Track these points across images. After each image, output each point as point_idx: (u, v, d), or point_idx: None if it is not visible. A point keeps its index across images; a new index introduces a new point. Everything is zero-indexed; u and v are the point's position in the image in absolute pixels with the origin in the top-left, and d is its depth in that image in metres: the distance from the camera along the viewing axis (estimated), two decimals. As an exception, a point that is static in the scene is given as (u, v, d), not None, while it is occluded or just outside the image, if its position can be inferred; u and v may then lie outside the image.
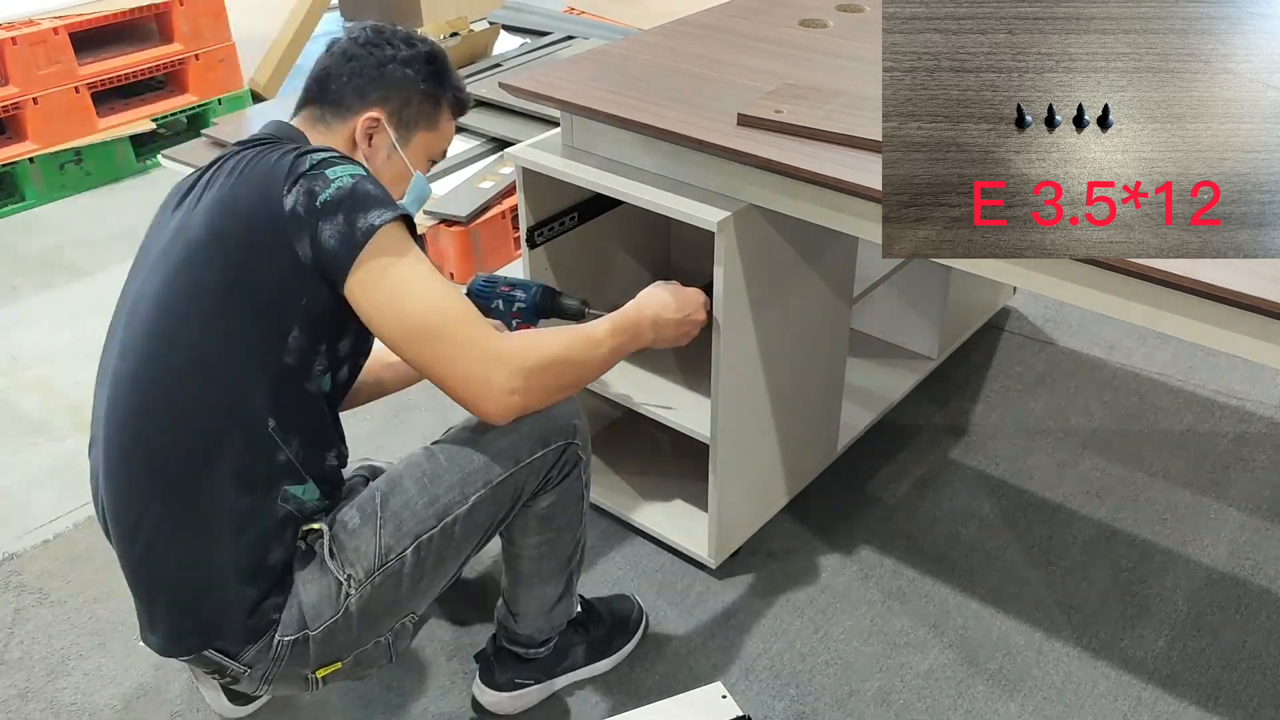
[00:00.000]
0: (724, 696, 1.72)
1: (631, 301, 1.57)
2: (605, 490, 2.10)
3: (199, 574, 1.35)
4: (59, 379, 2.59)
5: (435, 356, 1.31)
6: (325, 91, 1.45)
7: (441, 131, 1.53)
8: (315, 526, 1.38)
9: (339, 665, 1.43)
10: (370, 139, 1.45)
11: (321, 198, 1.28)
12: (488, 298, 1.71)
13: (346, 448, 1.48)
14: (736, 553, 2.01)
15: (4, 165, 3.40)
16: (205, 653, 1.39)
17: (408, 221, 1.33)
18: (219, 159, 1.39)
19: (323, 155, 1.33)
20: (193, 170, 1.43)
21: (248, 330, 1.31)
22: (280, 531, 1.36)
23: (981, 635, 1.85)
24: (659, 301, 1.58)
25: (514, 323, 1.68)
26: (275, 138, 1.41)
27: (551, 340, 1.40)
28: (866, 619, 1.89)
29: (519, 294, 1.69)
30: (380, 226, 1.28)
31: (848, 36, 2.00)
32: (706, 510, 1.92)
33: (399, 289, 1.29)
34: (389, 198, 1.33)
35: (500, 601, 1.68)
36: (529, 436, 1.43)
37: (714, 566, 1.96)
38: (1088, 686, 1.76)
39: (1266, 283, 1.21)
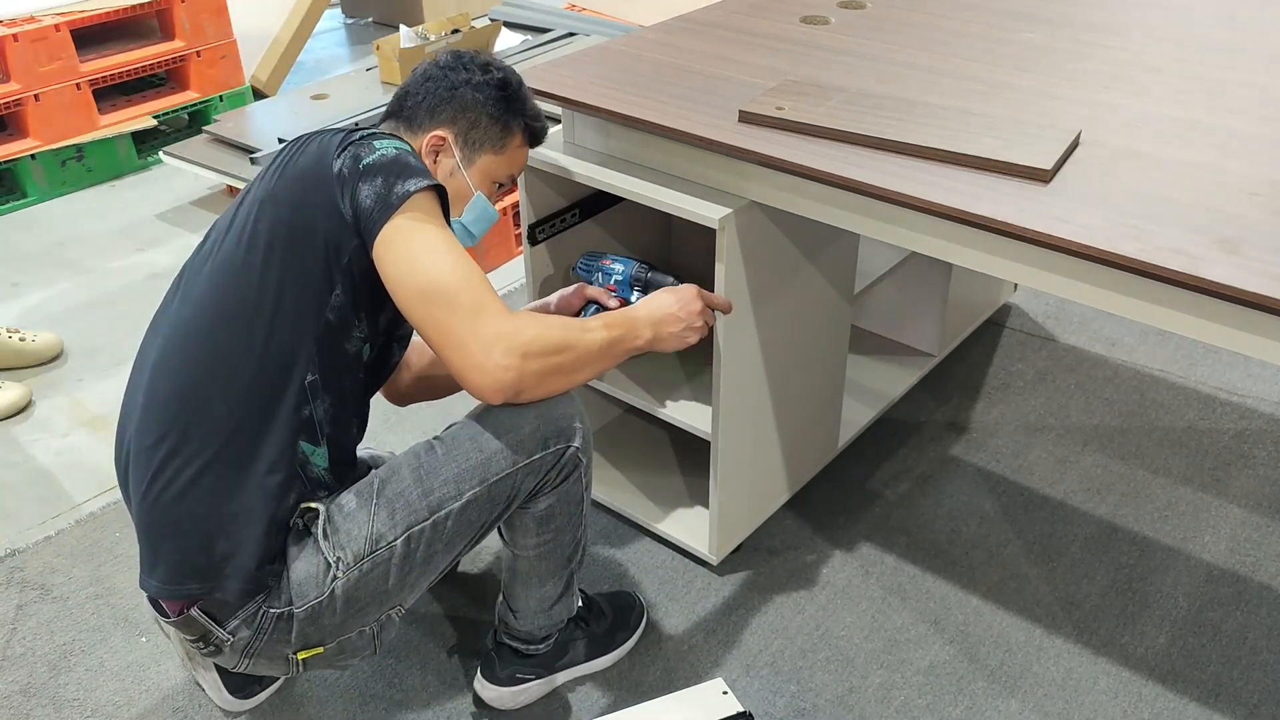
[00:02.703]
0: (725, 692, 1.72)
1: (648, 299, 1.60)
2: (606, 487, 2.11)
3: (223, 512, 1.37)
4: (61, 375, 2.59)
5: (438, 320, 1.32)
6: (402, 108, 1.54)
7: (510, 157, 1.57)
8: (313, 506, 1.40)
9: (321, 650, 1.44)
10: (436, 156, 1.52)
11: (365, 161, 1.36)
12: (589, 271, 1.84)
13: (365, 427, 1.52)
14: (737, 549, 2.02)
15: (6, 162, 3.41)
16: (193, 612, 1.40)
17: (441, 196, 1.39)
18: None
19: (375, 131, 1.42)
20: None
21: (297, 282, 1.36)
22: (296, 482, 1.40)
23: (982, 631, 1.86)
24: (658, 302, 1.58)
25: (612, 295, 1.79)
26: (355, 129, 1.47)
27: (552, 324, 1.41)
28: (867, 615, 1.89)
29: (617, 267, 1.81)
30: (414, 193, 1.34)
31: (849, 34, 2.00)
32: (708, 507, 1.92)
33: (418, 250, 1.33)
34: (427, 171, 1.39)
35: (500, 597, 1.68)
36: (530, 437, 1.43)
37: (715, 563, 1.97)
38: (1088, 683, 1.76)
39: (1267, 279, 1.21)
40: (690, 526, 2.01)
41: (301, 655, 1.44)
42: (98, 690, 1.78)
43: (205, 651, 1.45)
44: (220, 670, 1.68)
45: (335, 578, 1.38)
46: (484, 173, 1.55)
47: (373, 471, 1.45)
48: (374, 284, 1.38)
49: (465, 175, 1.53)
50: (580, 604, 1.76)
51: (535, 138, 1.60)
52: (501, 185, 1.60)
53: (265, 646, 1.42)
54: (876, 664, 1.80)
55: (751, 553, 2.02)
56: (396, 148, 1.39)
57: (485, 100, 1.52)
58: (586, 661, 1.77)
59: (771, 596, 1.93)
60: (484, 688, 1.71)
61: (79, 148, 3.54)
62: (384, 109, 1.58)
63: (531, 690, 1.72)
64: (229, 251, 1.40)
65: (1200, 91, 1.72)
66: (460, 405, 1.35)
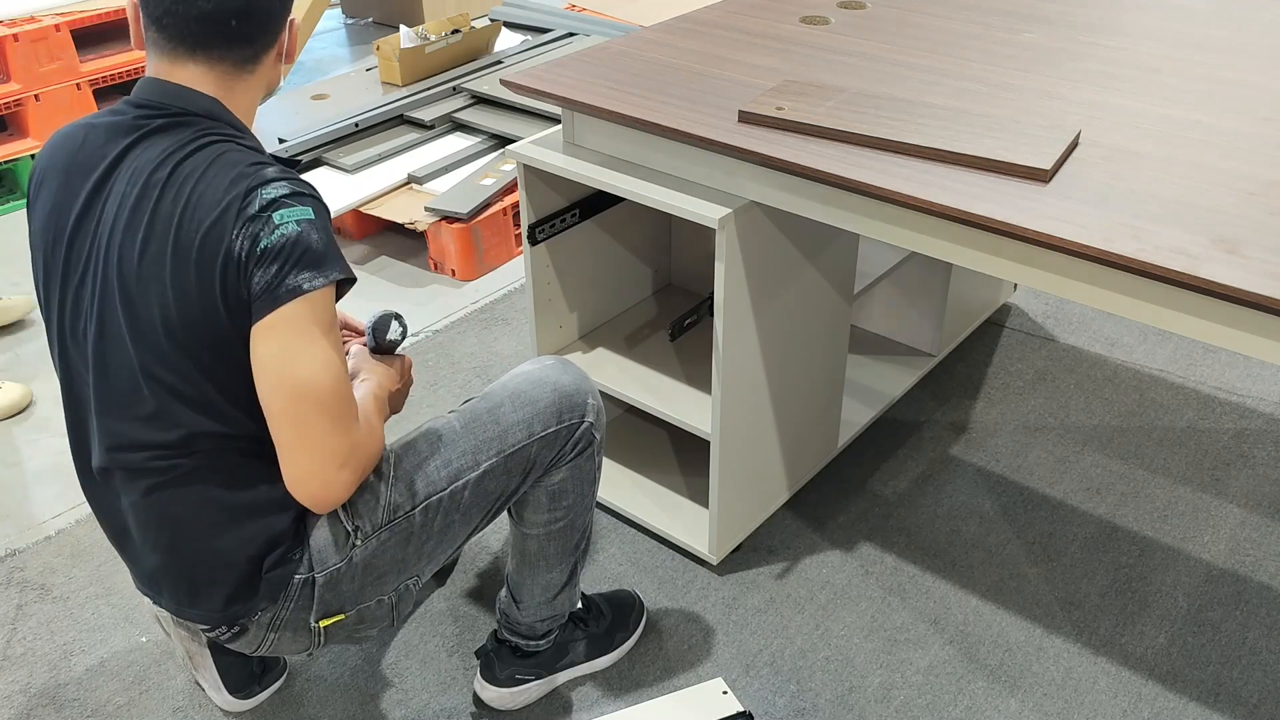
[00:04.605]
0: (725, 692, 1.72)
1: (370, 382, 1.49)
2: (607, 486, 2.11)
3: (209, 551, 1.36)
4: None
5: (302, 421, 1.26)
6: (244, 29, 1.28)
7: None
8: None
9: (342, 616, 1.45)
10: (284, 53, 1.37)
11: (262, 244, 1.23)
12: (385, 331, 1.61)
13: None
14: (737, 549, 2.02)
15: (5, 162, 3.41)
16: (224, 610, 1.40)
17: (337, 287, 1.29)
18: (141, 157, 1.28)
19: (274, 194, 1.25)
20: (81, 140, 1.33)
21: (220, 365, 1.28)
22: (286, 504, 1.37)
23: (982, 631, 1.86)
24: (386, 376, 1.53)
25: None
26: (220, 135, 1.29)
27: (376, 430, 1.37)
28: (867, 615, 1.89)
29: (395, 326, 1.61)
30: (307, 292, 1.24)
31: (849, 34, 2.00)
32: (707, 506, 1.92)
33: (298, 348, 1.24)
34: (329, 254, 1.27)
35: (503, 590, 1.69)
36: (546, 410, 1.46)
37: (715, 563, 1.97)
38: (1088, 683, 1.76)
39: (1267, 279, 1.21)
40: (690, 526, 2.01)
41: (324, 623, 1.44)
42: (98, 690, 1.78)
43: (228, 636, 1.44)
44: (221, 669, 1.68)
45: (354, 545, 1.39)
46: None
47: (389, 445, 1.45)
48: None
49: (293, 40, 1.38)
50: (580, 604, 1.76)
51: None
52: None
53: (290, 616, 1.42)
54: (876, 664, 1.80)
55: (751, 552, 2.02)
56: (298, 220, 1.24)
57: None
58: (586, 662, 1.77)
59: (771, 596, 1.93)
60: (484, 688, 1.71)
61: (79, 148, 3.54)
62: (173, 43, 1.28)
63: (531, 690, 1.72)
64: (147, 340, 1.27)
65: (1199, 91, 1.72)
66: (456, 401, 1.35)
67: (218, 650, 1.67)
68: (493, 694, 1.71)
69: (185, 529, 1.35)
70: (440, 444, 1.43)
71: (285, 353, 1.24)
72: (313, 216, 1.27)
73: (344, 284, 1.29)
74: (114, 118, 1.31)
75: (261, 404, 1.27)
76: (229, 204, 1.23)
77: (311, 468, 1.27)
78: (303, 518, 1.40)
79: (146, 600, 1.65)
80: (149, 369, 1.27)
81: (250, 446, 1.33)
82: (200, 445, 1.31)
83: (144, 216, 1.26)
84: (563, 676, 1.76)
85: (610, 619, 1.80)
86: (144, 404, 1.29)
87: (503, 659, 1.71)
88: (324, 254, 1.26)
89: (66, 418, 1.40)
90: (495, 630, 1.74)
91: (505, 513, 1.64)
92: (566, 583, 1.65)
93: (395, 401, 1.57)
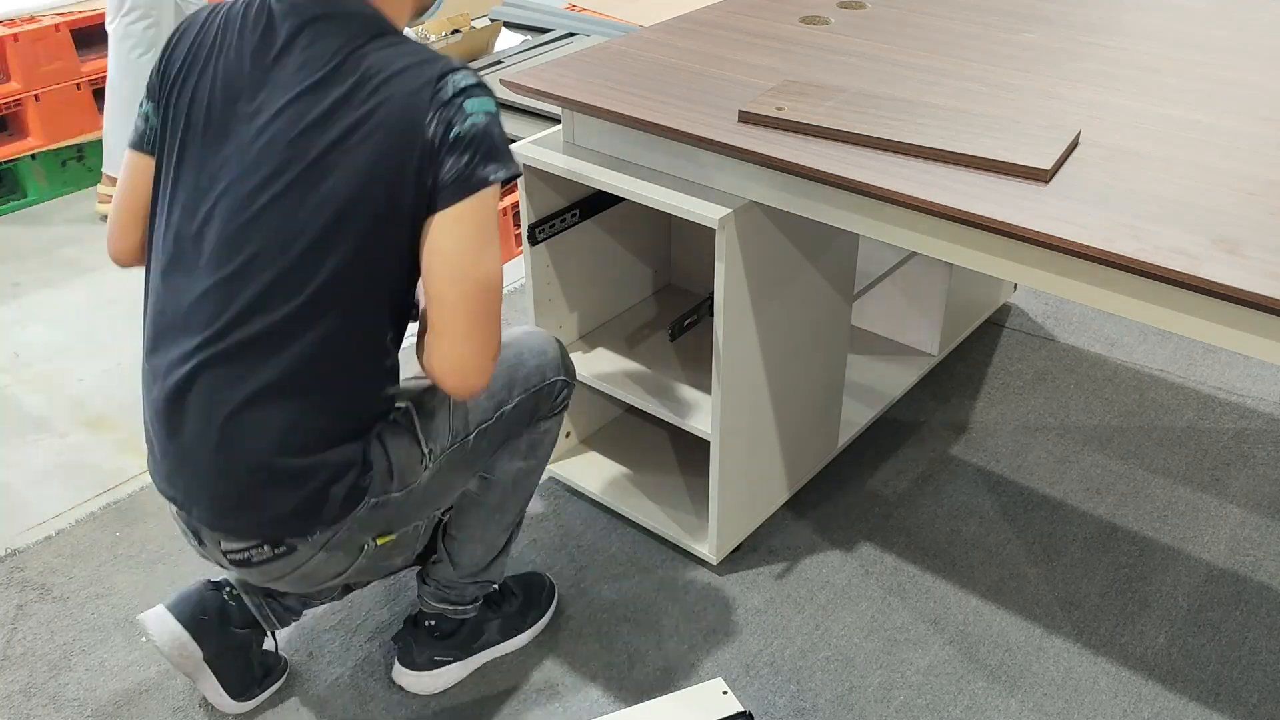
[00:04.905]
0: (725, 692, 1.72)
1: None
2: (607, 486, 2.11)
3: (295, 446, 1.36)
4: (61, 375, 2.60)
5: (471, 311, 1.33)
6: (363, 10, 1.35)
7: None
8: (401, 404, 1.49)
9: (393, 536, 1.51)
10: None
11: (455, 131, 1.30)
12: None
13: None
14: (737, 549, 2.02)
15: (6, 162, 3.41)
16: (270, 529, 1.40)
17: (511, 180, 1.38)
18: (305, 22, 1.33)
19: (462, 82, 1.31)
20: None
21: (387, 250, 1.33)
22: (384, 410, 1.45)
23: (982, 631, 1.86)
24: None
25: None
26: (376, 24, 1.34)
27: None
28: (867, 615, 1.89)
29: None
30: (493, 183, 1.33)
31: (849, 33, 2.00)
32: (707, 507, 1.92)
33: (482, 241, 1.33)
34: (509, 149, 1.36)
35: (436, 558, 1.70)
36: (552, 362, 1.61)
37: (715, 563, 1.97)
38: (1088, 682, 1.76)
39: (1267, 279, 1.21)
40: (690, 527, 2.01)
41: (380, 539, 1.49)
42: (98, 690, 1.78)
43: (266, 556, 1.42)
44: (220, 678, 1.68)
45: (428, 466, 1.48)
46: None
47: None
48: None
49: None
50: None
51: None
52: None
53: (348, 537, 1.44)
54: (876, 663, 1.80)
55: (751, 553, 2.02)
56: (486, 112, 1.32)
57: None
58: (502, 642, 1.80)
59: (771, 596, 1.93)
60: (402, 674, 1.75)
61: (79, 148, 3.54)
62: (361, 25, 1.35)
63: (449, 674, 1.75)
64: (303, 217, 1.30)
65: (1199, 91, 1.72)
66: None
67: (214, 660, 1.67)
68: (411, 678, 1.74)
69: (266, 428, 1.34)
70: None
71: (471, 243, 1.32)
72: (494, 110, 1.35)
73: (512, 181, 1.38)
74: (280, 3, 1.34)
75: (432, 291, 1.33)
76: (422, 86, 1.29)
77: (473, 356, 1.35)
78: (381, 439, 1.44)
79: (147, 619, 1.64)
80: (305, 241, 1.30)
81: (366, 353, 1.38)
82: (325, 330, 1.33)
83: (328, 96, 1.30)
84: (479, 659, 1.78)
85: (521, 599, 1.84)
86: (284, 274, 1.31)
87: (420, 642, 1.74)
88: (506, 148, 1.35)
89: (154, 283, 1.40)
90: (412, 615, 1.77)
91: None
92: (504, 547, 1.71)
93: None
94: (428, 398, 1.50)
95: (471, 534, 1.67)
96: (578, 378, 1.68)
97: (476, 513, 1.66)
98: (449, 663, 1.75)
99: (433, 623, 1.74)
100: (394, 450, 1.45)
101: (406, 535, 1.54)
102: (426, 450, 1.47)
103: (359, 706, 1.74)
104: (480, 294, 1.33)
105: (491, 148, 1.32)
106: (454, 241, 1.32)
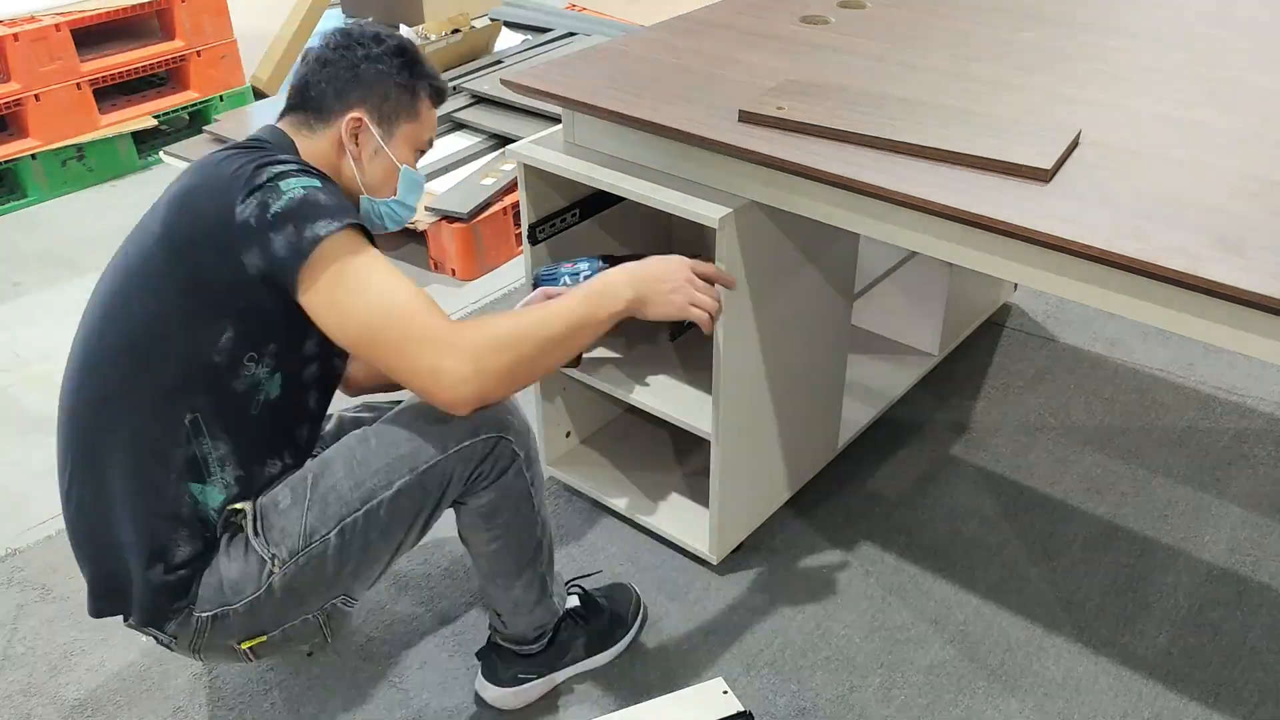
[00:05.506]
0: (725, 692, 1.72)
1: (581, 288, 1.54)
2: (606, 486, 2.11)
3: (107, 546, 1.41)
4: (61, 375, 2.59)
5: (386, 350, 1.33)
6: (306, 99, 1.48)
7: (423, 121, 1.55)
8: (240, 506, 1.42)
9: (265, 638, 1.46)
10: (356, 138, 1.49)
11: (273, 209, 1.31)
12: (553, 278, 1.81)
13: (310, 452, 1.52)
14: (737, 549, 2.02)
15: (6, 162, 3.41)
16: (129, 622, 1.45)
17: (361, 229, 1.36)
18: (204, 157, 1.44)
19: (281, 168, 1.35)
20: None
21: (181, 322, 1.34)
22: (180, 525, 1.39)
23: (982, 631, 1.86)
24: (638, 264, 1.56)
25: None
26: (258, 144, 1.44)
27: (503, 319, 1.40)
28: (867, 615, 1.89)
29: (580, 265, 1.80)
30: (326, 237, 1.31)
31: (849, 33, 2.00)
32: (707, 506, 1.92)
33: (341, 293, 1.32)
34: (342, 207, 1.34)
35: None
36: (459, 425, 1.43)
37: (715, 563, 1.97)
38: (1088, 682, 1.76)
39: (1268, 279, 1.21)
40: (690, 526, 2.01)
41: (246, 644, 1.46)
42: (98, 690, 1.78)
43: (162, 646, 1.49)
44: None
45: (271, 573, 1.40)
46: (406, 141, 1.53)
47: (307, 464, 1.46)
48: (275, 321, 1.36)
49: (389, 151, 1.50)
50: (578, 601, 1.76)
51: (439, 95, 1.57)
52: (421, 152, 1.57)
53: (208, 642, 1.45)
54: (876, 664, 1.80)
55: (752, 552, 2.02)
56: (304, 186, 1.33)
57: (389, 70, 1.48)
58: (587, 659, 1.77)
59: (771, 596, 1.93)
60: (485, 688, 1.72)
61: (79, 147, 3.54)
62: (285, 103, 1.51)
63: (532, 690, 1.72)
64: (122, 280, 1.39)
65: (1200, 91, 1.72)
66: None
67: None
68: (495, 694, 1.71)
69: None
70: (354, 463, 1.42)
71: (332, 300, 1.32)
72: (318, 185, 1.35)
73: (362, 228, 1.37)
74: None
75: (346, 349, 1.37)
76: (231, 179, 1.33)
77: (423, 384, 1.33)
78: (212, 547, 1.42)
79: None
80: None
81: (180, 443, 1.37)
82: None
83: (161, 203, 1.39)
84: (564, 674, 1.76)
85: (609, 616, 1.80)
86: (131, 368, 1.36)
87: (504, 659, 1.71)
88: (334, 207, 1.34)
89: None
90: (491, 634, 1.74)
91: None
92: (540, 598, 1.65)
93: (650, 290, 1.54)
94: (282, 495, 1.42)
95: (490, 596, 1.64)
96: (513, 432, 1.48)
97: (481, 578, 1.63)
98: (532, 679, 1.72)
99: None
100: (228, 562, 1.41)
101: (294, 629, 1.47)
102: (268, 556, 1.39)
103: (359, 707, 1.74)
104: (376, 336, 1.32)
105: (315, 208, 1.33)
106: (323, 306, 1.33)
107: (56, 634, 1.89)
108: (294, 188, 1.33)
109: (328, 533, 1.40)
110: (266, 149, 1.41)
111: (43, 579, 2.01)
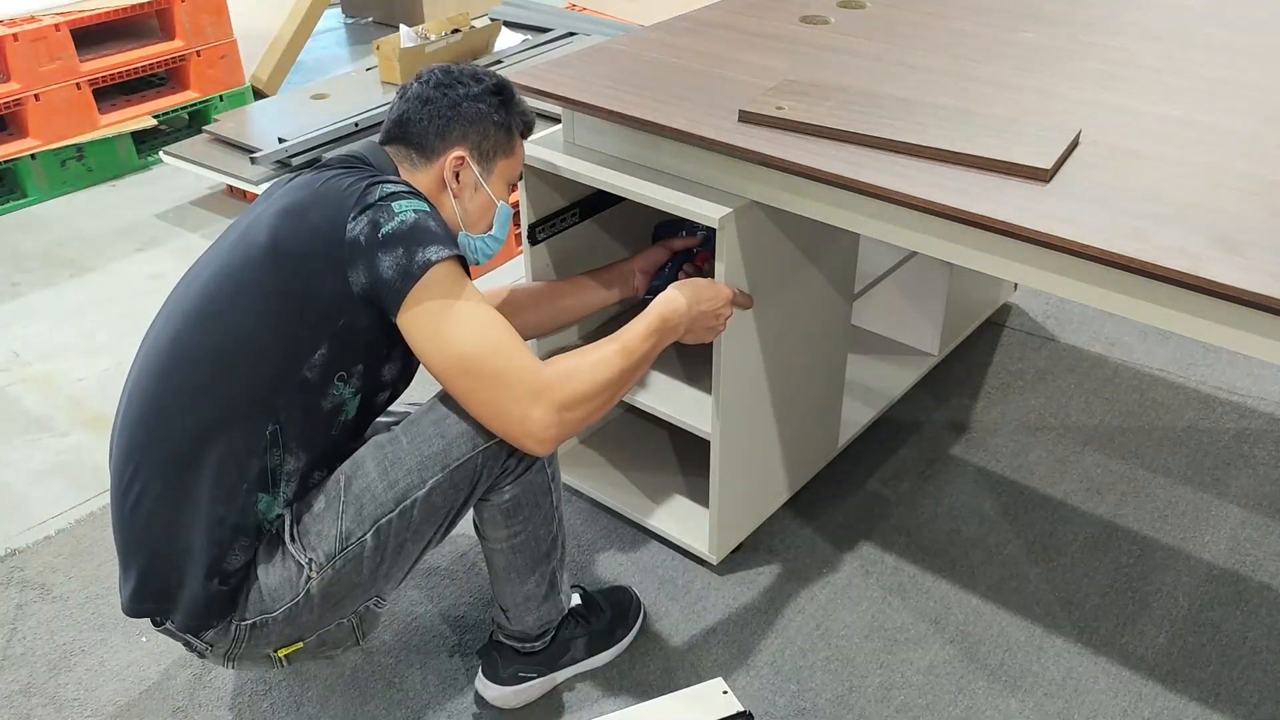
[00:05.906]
0: (725, 692, 1.72)
1: (660, 299, 1.59)
2: (606, 486, 2.11)
3: (168, 549, 1.40)
4: (61, 375, 2.59)
5: (477, 383, 1.36)
6: (407, 134, 1.51)
7: (517, 156, 1.59)
8: (279, 512, 1.42)
9: (301, 645, 1.47)
10: (457, 176, 1.52)
11: (385, 230, 1.35)
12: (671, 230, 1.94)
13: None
14: (737, 549, 2.02)
15: (6, 162, 3.40)
16: (167, 625, 1.45)
17: (462, 261, 1.40)
18: (315, 165, 1.48)
19: (394, 188, 1.39)
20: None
21: (279, 334, 1.36)
22: (241, 535, 1.40)
23: (982, 631, 1.86)
24: (700, 294, 1.61)
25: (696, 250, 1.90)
26: (364, 162, 1.47)
27: (590, 368, 1.43)
28: (867, 615, 1.89)
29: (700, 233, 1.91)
30: (436, 263, 1.34)
31: (849, 33, 2.00)
32: (708, 506, 1.92)
33: (445, 322, 1.35)
34: (448, 235, 1.39)
35: (493, 597, 1.69)
36: (482, 429, 1.46)
37: (715, 562, 1.97)
38: (1088, 682, 1.76)
39: (1268, 279, 1.21)
40: (690, 526, 2.01)
41: (282, 652, 1.47)
42: (98, 690, 1.78)
43: (192, 652, 1.49)
44: None
45: (310, 578, 1.41)
46: (502, 178, 1.57)
47: (338, 469, 1.46)
48: (370, 341, 1.40)
49: (487, 187, 1.54)
50: (579, 601, 1.76)
51: (529, 130, 1.61)
52: (513, 187, 1.62)
53: (245, 651, 1.45)
54: (876, 663, 1.80)
55: (751, 553, 2.02)
56: (416, 210, 1.37)
57: (489, 110, 1.52)
58: (588, 658, 1.77)
59: (771, 596, 1.93)
60: (486, 687, 1.72)
61: (79, 147, 3.54)
62: (382, 135, 1.54)
63: (533, 689, 1.72)
64: (218, 285, 1.40)
65: (1200, 91, 1.72)
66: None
67: None
68: (495, 692, 1.71)
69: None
70: (387, 462, 1.43)
71: (435, 329, 1.35)
72: (428, 209, 1.39)
73: (462, 260, 1.40)
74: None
75: (434, 375, 1.38)
76: (345, 196, 1.37)
77: (508, 429, 1.38)
78: (255, 557, 1.42)
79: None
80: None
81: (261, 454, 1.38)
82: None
83: (254, 216, 1.43)
84: (564, 674, 1.76)
85: (610, 615, 1.80)
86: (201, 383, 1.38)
87: (505, 657, 1.71)
88: (443, 234, 1.38)
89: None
90: (493, 631, 1.74)
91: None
92: (547, 594, 1.66)
93: (699, 325, 1.62)
94: (316, 500, 1.43)
95: (500, 591, 1.65)
96: None
97: (493, 573, 1.64)
98: (532, 678, 1.72)
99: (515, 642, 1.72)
100: (266, 570, 1.41)
101: (329, 634, 1.48)
102: (305, 561, 1.40)
103: (359, 706, 1.74)
104: (468, 372, 1.36)
105: (426, 234, 1.37)
106: (422, 333, 1.36)
107: (56, 634, 1.89)
108: (406, 210, 1.36)
109: (363, 534, 1.41)
110: (373, 170, 1.45)
111: (43, 579, 2.01)
